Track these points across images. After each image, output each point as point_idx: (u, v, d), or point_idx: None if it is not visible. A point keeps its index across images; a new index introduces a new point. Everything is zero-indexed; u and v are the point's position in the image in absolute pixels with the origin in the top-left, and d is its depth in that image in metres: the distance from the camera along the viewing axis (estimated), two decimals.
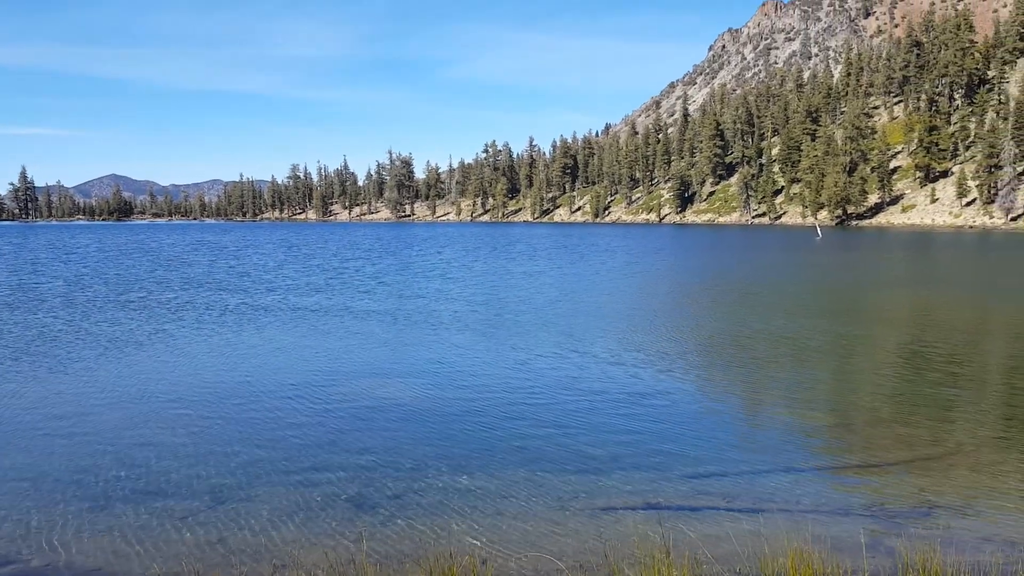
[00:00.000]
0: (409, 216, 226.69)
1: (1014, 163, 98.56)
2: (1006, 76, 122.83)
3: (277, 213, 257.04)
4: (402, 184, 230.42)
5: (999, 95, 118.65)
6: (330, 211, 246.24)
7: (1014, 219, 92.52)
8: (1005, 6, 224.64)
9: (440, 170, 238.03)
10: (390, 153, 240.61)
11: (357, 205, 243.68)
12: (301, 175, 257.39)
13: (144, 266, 50.23)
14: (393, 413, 13.96)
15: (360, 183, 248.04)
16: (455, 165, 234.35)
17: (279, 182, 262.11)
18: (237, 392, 15.59)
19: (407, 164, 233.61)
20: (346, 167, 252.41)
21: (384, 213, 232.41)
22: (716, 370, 18.07)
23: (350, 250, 70.34)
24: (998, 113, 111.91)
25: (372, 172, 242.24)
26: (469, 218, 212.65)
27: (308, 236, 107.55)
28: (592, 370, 17.41)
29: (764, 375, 17.26)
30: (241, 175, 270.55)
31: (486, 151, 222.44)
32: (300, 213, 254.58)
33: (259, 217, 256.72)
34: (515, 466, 11.06)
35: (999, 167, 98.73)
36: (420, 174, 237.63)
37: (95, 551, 8.41)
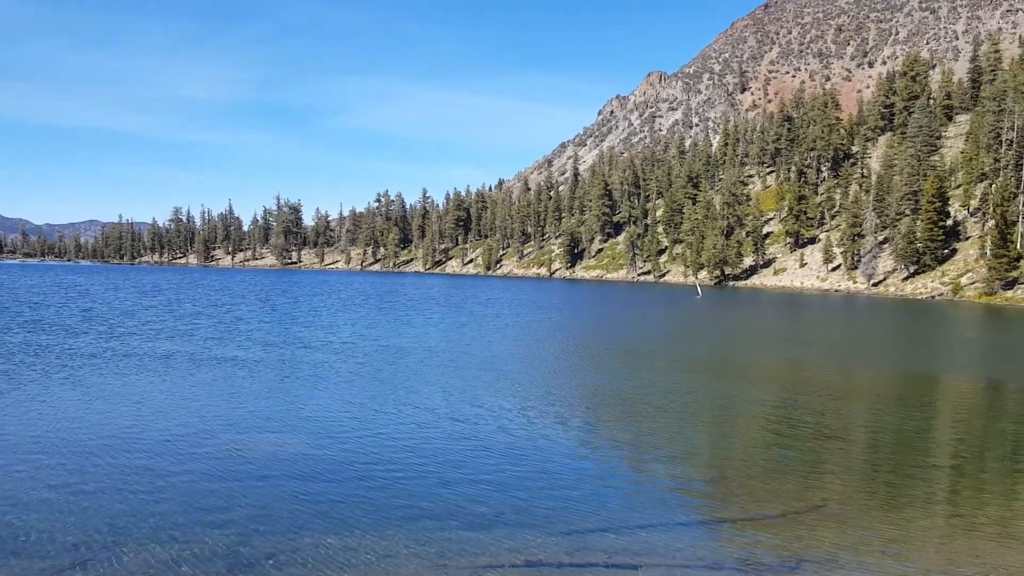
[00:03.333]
0: (296, 263, 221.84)
1: (875, 232, 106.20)
2: (868, 152, 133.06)
3: (157, 257, 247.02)
4: (289, 231, 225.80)
5: (862, 169, 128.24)
6: (213, 256, 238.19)
7: (875, 284, 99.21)
8: (868, 87, 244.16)
9: (330, 218, 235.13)
10: (278, 199, 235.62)
11: (241, 251, 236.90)
12: (184, 218, 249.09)
13: None
14: (268, 468, 13.46)
15: (246, 228, 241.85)
16: (346, 213, 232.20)
17: (160, 225, 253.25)
18: (101, 445, 14.68)
19: (295, 210, 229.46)
20: (231, 212, 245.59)
21: (269, 259, 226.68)
22: (599, 425, 18.37)
23: (221, 295, 67.99)
24: (861, 186, 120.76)
25: (258, 218, 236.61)
26: (359, 267, 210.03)
27: (182, 280, 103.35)
28: (474, 424, 17.35)
29: (645, 430, 17.66)
30: (120, 216, 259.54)
31: (378, 200, 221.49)
32: (181, 257, 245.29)
33: (138, 260, 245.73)
34: (396, 523, 10.84)
35: (862, 236, 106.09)
36: (309, 221, 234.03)
37: None
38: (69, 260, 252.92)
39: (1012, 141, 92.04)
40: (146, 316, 43.59)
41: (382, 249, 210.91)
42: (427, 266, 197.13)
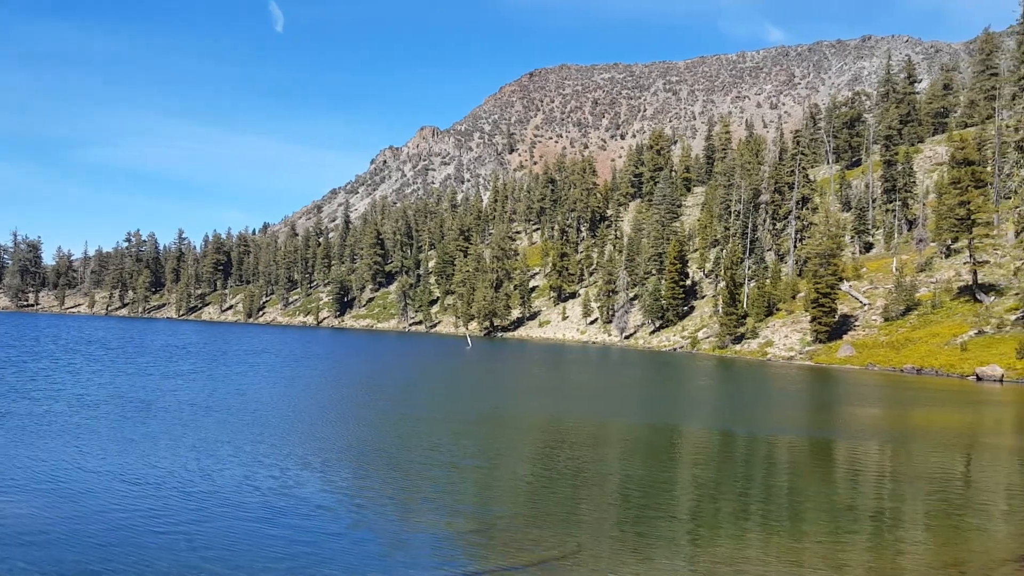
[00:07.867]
0: (33, 306, 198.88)
1: (627, 289, 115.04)
2: (621, 215, 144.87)
3: None
4: (27, 270, 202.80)
5: (615, 231, 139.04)
6: None
7: (627, 337, 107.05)
8: (620, 157, 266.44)
9: (73, 258, 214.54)
10: (15, 235, 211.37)
11: None
12: None
13: None
14: None
15: None
16: (92, 253, 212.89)
17: None
18: None
19: (35, 248, 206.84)
20: None
21: (3, 301, 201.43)
22: (361, 481, 18.13)
23: None
24: (615, 246, 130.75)
25: None
26: (104, 311, 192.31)
27: None
28: (221, 482, 16.41)
29: (409, 485, 17.67)
30: None
31: (128, 240, 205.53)
32: None
33: None
34: None
35: (615, 292, 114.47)
36: (50, 260, 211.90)
37: None
38: None
39: (739, 212, 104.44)
40: None
41: (131, 292, 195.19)
42: (181, 312, 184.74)
